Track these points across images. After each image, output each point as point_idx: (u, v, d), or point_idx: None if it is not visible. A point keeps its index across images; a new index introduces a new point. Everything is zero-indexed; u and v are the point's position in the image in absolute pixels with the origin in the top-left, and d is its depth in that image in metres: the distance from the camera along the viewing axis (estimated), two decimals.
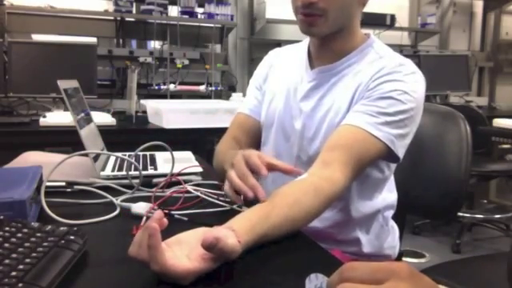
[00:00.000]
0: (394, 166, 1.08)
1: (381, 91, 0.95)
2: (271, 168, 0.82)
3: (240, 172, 0.81)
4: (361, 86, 0.99)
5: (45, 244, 0.60)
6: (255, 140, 1.19)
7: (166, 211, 0.82)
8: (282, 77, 1.14)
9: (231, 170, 0.84)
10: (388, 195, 1.11)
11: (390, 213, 1.13)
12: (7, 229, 0.63)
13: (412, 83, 0.96)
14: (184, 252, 0.59)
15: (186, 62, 3.03)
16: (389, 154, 0.96)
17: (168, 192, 0.95)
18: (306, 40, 1.13)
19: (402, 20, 3.74)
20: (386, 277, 0.38)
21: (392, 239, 1.14)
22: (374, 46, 1.05)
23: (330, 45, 1.05)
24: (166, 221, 0.60)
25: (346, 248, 1.06)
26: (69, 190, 0.99)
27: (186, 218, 0.82)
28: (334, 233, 1.05)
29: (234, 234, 0.63)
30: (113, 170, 1.10)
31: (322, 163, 0.90)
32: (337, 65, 1.04)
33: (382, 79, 0.97)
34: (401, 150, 0.96)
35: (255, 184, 0.79)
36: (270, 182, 1.05)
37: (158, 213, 0.59)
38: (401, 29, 3.74)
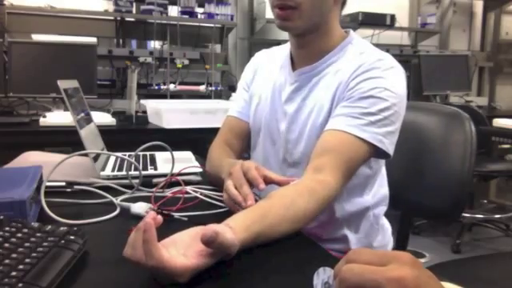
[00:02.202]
0: (382, 160, 1.07)
1: (361, 91, 0.95)
2: (267, 181, 0.84)
3: (238, 182, 0.84)
4: (341, 85, 0.99)
5: (45, 244, 0.60)
6: (246, 142, 1.20)
7: (166, 212, 0.82)
8: (266, 80, 1.14)
9: (229, 180, 0.85)
10: (379, 190, 1.10)
11: (382, 210, 1.12)
12: (7, 229, 0.63)
13: (391, 78, 0.96)
14: (180, 251, 0.59)
15: (186, 62, 3.03)
16: (379, 152, 0.95)
17: (168, 193, 0.95)
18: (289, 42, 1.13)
19: (402, 20, 3.74)
20: (390, 261, 0.40)
21: (382, 237, 1.13)
22: (354, 43, 1.05)
23: (308, 45, 1.04)
24: (160, 218, 0.60)
25: (332, 245, 1.05)
26: (69, 190, 0.99)
27: (185, 219, 0.82)
28: (318, 232, 1.04)
29: (231, 230, 0.64)
30: (113, 170, 1.10)
31: (313, 170, 0.90)
32: (317, 65, 1.04)
33: (361, 77, 0.96)
34: (391, 147, 0.96)
35: (248, 193, 0.81)
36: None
37: (152, 213, 0.59)
38: (401, 29, 3.74)
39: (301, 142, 1.03)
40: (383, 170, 1.11)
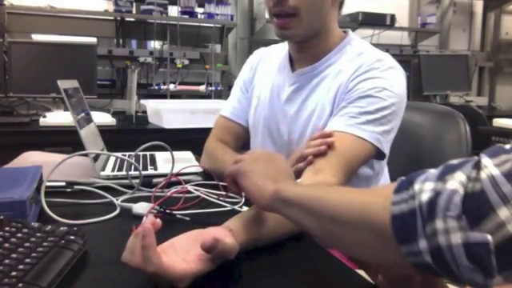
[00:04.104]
0: (384, 161, 1.07)
1: (359, 91, 0.95)
2: None
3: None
4: (341, 87, 0.99)
5: (45, 244, 0.60)
6: (240, 142, 1.20)
7: (168, 211, 0.82)
8: (265, 80, 1.14)
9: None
10: None
11: None
12: (7, 229, 0.63)
13: (390, 78, 0.96)
14: (179, 256, 0.58)
15: (186, 61, 3.03)
16: (376, 152, 0.95)
17: (169, 192, 0.95)
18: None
19: (402, 20, 3.74)
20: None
21: None
22: (353, 43, 1.05)
23: (309, 49, 1.04)
24: (159, 222, 0.59)
25: None
26: (69, 190, 0.99)
27: (188, 218, 0.82)
28: None
29: (231, 233, 0.63)
30: (113, 170, 1.10)
31: (313, 171, 0.90)
32: (316, 66, 1.04)
33: (360, 78, 0.96)
34: (386, 146, 0.96)
35: None
36: None
37: (151, 217, 0.59)
38: (401, 29, 3.74)
39: (302, 143, 1.03)
40: (385, 171, 1.11)
